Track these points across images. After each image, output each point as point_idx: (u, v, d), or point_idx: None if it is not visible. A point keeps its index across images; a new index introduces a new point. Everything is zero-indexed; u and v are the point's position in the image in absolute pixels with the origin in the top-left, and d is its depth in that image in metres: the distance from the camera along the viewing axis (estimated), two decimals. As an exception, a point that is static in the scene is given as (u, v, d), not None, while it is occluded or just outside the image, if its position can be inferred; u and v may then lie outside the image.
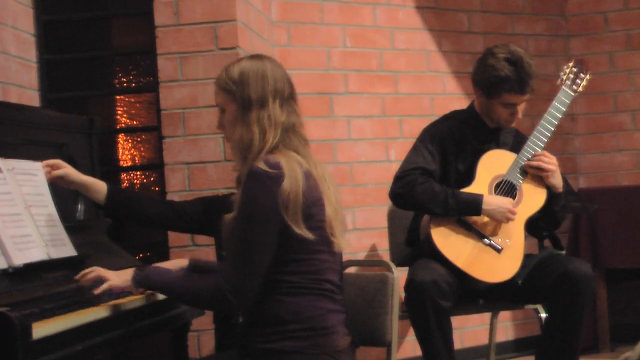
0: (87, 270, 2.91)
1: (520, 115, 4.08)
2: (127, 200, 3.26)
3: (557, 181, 4.00)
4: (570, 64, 4.13)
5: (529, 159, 3.99)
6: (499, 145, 4.15)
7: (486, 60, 4.07)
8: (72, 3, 4.39)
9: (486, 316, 5.05)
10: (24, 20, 4.19)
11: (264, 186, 2.70)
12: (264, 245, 2.70)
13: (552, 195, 4.01)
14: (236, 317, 2.99)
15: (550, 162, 3.97)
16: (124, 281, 2.86)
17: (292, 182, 2.71)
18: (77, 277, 2.90)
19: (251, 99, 2.80)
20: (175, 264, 3.28)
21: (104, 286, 2.85)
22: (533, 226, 4.09)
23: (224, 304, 2.73)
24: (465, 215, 3.94)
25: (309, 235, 2.73)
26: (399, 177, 4.04)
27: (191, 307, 3.32)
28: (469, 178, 4.03)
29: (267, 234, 2.70)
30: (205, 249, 4.15)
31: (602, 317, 5.32)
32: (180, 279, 2.84)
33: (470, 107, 4.23)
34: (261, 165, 2.72)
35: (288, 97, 2.87)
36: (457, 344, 4.08)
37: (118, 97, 4.44)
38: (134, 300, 2.99)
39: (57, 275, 2.97)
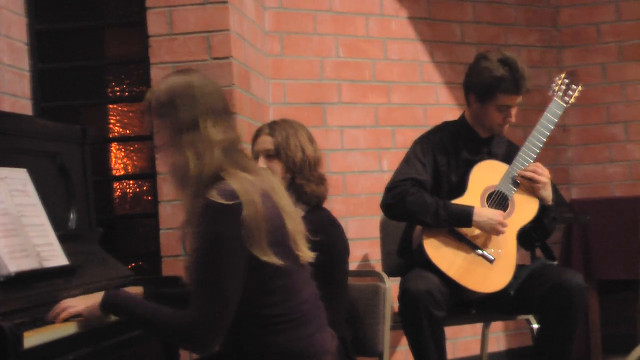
0: (57, 310, 2.79)
1: (513, 119, 4.09)
2: None
3: (548, 194, 4.01)
4: (562, 76, 4.15)
5: (522, 170, 4.00)
6: (490, 155, 4.16)
7: (479, 64, 4.08)
8: (65, 12, 4.39)
9: (478, 326, 5.05)
10: (17, 29, 4.19)
11: (224, 220, 2.58)
12: (231, 280, 2.59)
13: (542, 208, 4.02)
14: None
15: (542, 174, 3.98)
16: (92, 307, 2.76)
17: (251, 209, 2.60)
18: (49, 318, 2.75)
19: (181, 122, 2.68)
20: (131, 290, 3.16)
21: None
22: (524, 238, 4.10)
23: (193, 344, 2.62)
24: (456, 226, 3.94)
25: (277, 261, 2.64)
26: (390, 188, 4.04)
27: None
28: (461, 189, 4.04)
29: (233, 268, 2.59)
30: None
31: (594, 328, 5.32)
32: (149, 310, 2.70)
33: (462, 117, 4.24)
34: (216, 197, 2.59)
35: (221, 113, 2.74)
36: (449, 355, 4.08)
37: (111, 106, 4.43)
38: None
39: (49, 285, 2.97)
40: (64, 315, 2.77)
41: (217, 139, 2.69)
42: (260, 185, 2.70)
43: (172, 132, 2.70)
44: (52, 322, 2.73)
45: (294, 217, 2.78)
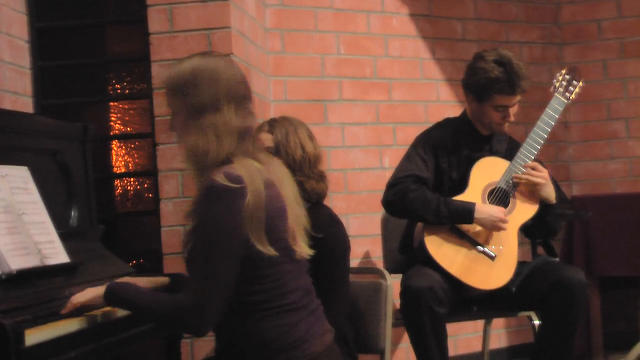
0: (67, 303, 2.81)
1: (512, 118, 4.09)
2: None
3: (549, 193, 4.00)
4: (563, 72, 4.15)
5: (522, 165, 3.99)
6: (492, 152, 4.16)
7: (476, 64, 4.08)
8: (66, 10, 4.39)
9: (479, 323, 5.05)
10: (18, 26, 4.19)
11: (227, 203, 2.55)
12: (227, 264, 2.57)
13: (545, 206, 4.01)
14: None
15: (539, 176, 3.97)
16: (96, 298, 2.76)
17: (254, 197, 2.57)
18: (62, 312, 2.78)
19: (204, 103, 2.64)
20: (154, 281, 3.15)
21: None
22: (528, 231, 4.11)
23: (188, 325, 2.61)
24: (458, 223, 3.94)
25: (272, 252, 2.61)
26: (392, 185, 4.04)
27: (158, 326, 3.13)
28: (462, 186, 4.04)
29: (231, 252, 2.57)
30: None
31: (595, 324, 5.32)
32: (146, 297, 2.69)
33: (463, 114, 4.24)
34: (221, 179, 2.56)
35: (243, 99, 2.71)
36: (450, 351, 4.08)
37: (112, 103, 4.43)
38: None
39: (50, 282, 2.97)
40: (68, 307, 2.77)
41: (236, 124, 2.66)
42: (266, 174, 2.68)
43: (192, 112, 2.66)
44: (53, 319, 2.72)
45: (297, 211, 2.75)
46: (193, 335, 2.84)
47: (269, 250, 2.61)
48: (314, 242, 3.33)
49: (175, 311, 2.60)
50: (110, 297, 2.74)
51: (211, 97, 2.64)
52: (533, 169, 3.98)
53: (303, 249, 2.75)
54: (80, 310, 2.80)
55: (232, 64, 2.75)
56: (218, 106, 2.64)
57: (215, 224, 2.57)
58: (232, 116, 2.65)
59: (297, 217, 2.74)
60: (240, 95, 2.70)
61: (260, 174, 2.64)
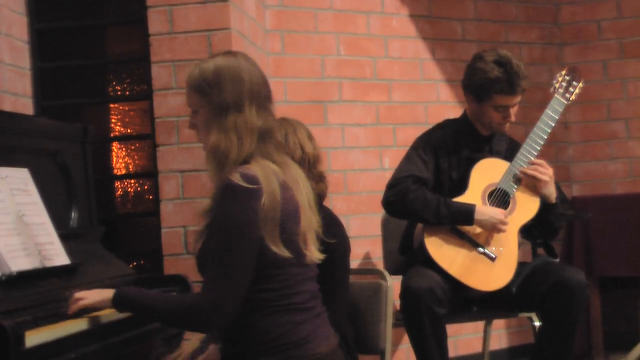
0: (70, 302, 2.82)
1: (513, 118, 4.09)
2: None
3: (550, 191, 4.00)
4: (563, 72, 4.15)
5: (528, 161, 3.99)
6: (492, 153, 4.16)
7: (475, 65, 4.08)
8: (66, 11, 4.39)
9: (480, 324, 5.05)
10: (18, 28, 4.19)
11: (242, 202, 2.56)
12: (243, 261, 2.57)
13: (546, 206, 4.01)
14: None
15: (545, 173, 3.97)
16: (103, 302, 2.77)
17: (270, 198, 2.58)
18: (69, 313, 2.79)
19: (227, 103, 2.65)
20: None
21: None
22: (529, 231, 4.10)
23: (203, 324, 2.60)
24: (458, 224, 3.94)
25: (286, 253, 2.61)
26: (392, 185, 4.04)
27: (171, 327, 3.12)
28: (462, 187, 4.04)
29: (246, 250, 2.57)
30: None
31: (595, 325, 5.32)
32: (158, 299, 2.70)
33: (463, 115, 4.24)
34: (237, 179, 2.57)
35: (264, 99, 2.72)
36: (451, 352, 4.08)
37: (112, 105, 4.43)
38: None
39: (50, 283, 2.97)
40: (74, 308, 2.78)
41: (257, 125, 2.66)
42: (282, 176, 2.68)
43: (214, 111, 2.67)
44: (53, 320, 2.73)
45: (309, 215, 2.74)
46: (202, 331, 2.84)
47: (283, 252, 2.61)
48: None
49: (190, 311, 2.59)
50: (119, 302, 2.73)
51: (234, 97, 2.65)
52: (539, 165, 3.98)
53: (313, 253, 2.74)
54: (81, 312, 2.81)
55: (254, 65, 2.76)
56: (240, 106, 2.65)
57: (231, 223, 2.57)
58: (254, 116, 2.66)
59: (309, 221, 2.73)
60: (261, 96, 2.71)
61: (276, 176, 2.65)
